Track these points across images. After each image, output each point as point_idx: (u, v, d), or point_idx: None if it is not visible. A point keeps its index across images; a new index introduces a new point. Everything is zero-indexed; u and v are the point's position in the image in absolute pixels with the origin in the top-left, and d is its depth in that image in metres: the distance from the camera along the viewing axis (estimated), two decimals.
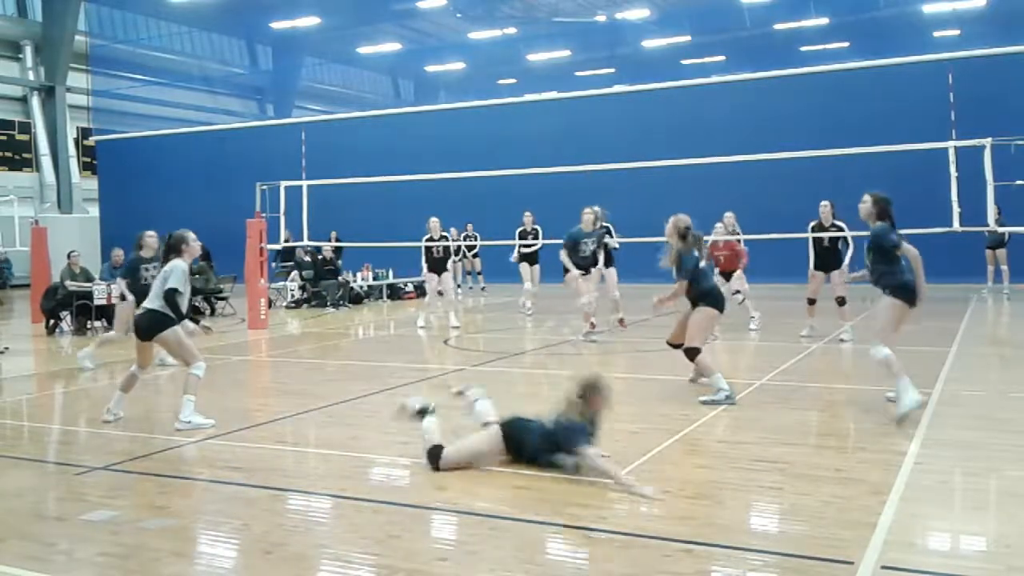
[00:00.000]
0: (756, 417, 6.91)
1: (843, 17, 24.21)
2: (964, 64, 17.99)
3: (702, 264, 7.79)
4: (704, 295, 7.64)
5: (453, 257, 18.98)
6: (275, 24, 30.94)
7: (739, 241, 13.16)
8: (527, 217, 16.50)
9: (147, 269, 9.55)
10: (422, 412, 5.71)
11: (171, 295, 6.76)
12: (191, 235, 7.14)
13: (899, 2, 23.66)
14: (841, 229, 11.25)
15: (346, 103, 32.19)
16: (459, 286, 20.36)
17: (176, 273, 6.82)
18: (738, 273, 12.84)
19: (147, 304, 6.93)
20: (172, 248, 7.05)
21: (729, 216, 13.23)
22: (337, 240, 20.58)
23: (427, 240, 13.94)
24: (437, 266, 14.01)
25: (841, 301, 11.11)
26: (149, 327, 6.85)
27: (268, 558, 4.03)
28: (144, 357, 7.12)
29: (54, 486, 5.38)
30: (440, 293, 14.33)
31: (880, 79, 19.27)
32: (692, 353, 7.54)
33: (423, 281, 20.51)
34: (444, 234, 14.48)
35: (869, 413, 6.79)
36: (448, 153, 21.60)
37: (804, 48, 24.40)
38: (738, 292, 12.67)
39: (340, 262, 19.64)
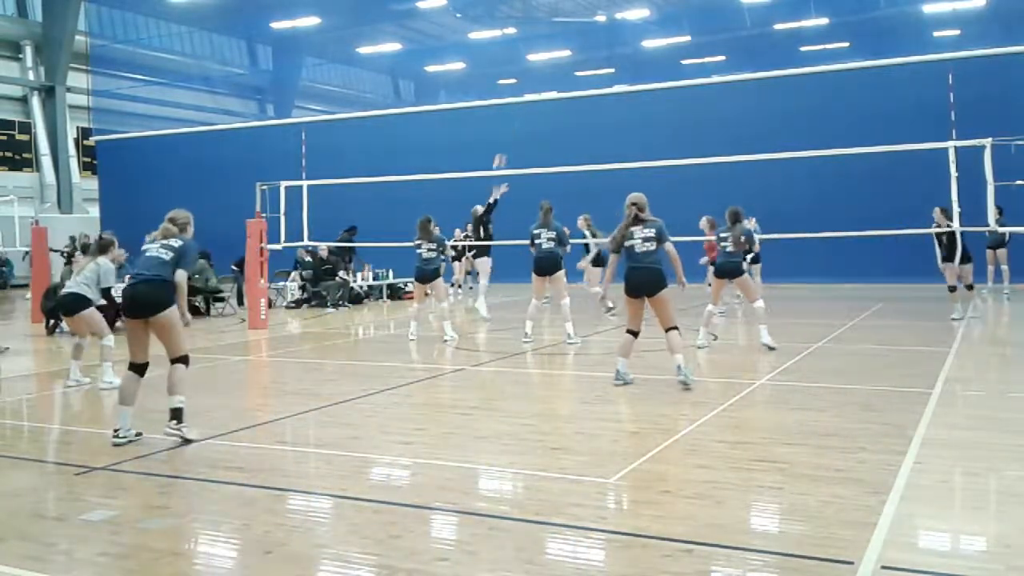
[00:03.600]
0: (756, 417, 6.91)
1: (843, 17, 24.19)
2: (964, 64, 17.99)
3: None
4: None
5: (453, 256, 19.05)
6: (275, 24, 30.93)
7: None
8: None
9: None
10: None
11: (108, 292, 8.80)
12: (116, 242, 8.95)
13: (899, 2, 23.64)
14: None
15: (346, 103, 32.19)
16: (459, 287, 20.36)
17: (110, 274, 8.62)
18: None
19: (73, 289, 8.57)
20: (103, 248, 8.65)
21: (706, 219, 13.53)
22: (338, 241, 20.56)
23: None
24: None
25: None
26: (75, 305, 8.57)
27: (268, 558, 4.03)
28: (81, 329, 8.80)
29: (54, 486, 5.38)
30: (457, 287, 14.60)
31: (880, 79, 19.27)
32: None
33: None
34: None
35: (869, 413, 6.80)
36: (448, 153, 21.60)
37: (804, 48, 24.37)
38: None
39: (351, 264, 19.71)
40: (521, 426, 6.73)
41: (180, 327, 6.34)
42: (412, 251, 12.43)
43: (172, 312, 6.26)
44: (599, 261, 13.36)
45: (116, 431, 6.18)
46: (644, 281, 7.90)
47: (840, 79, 20.25)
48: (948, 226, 12.67)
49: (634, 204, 8.07)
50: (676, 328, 8.04)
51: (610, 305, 13.21)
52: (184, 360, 6.34)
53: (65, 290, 8.88)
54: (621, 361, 8.21)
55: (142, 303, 6.23)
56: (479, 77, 30.83)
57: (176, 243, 6.39)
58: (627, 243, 8.00)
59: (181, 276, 6.29)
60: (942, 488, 5.06)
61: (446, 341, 11.82)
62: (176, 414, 6.20)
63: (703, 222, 13.48)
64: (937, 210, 12.96)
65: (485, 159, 18.93)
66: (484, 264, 15.78)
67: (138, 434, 6.25)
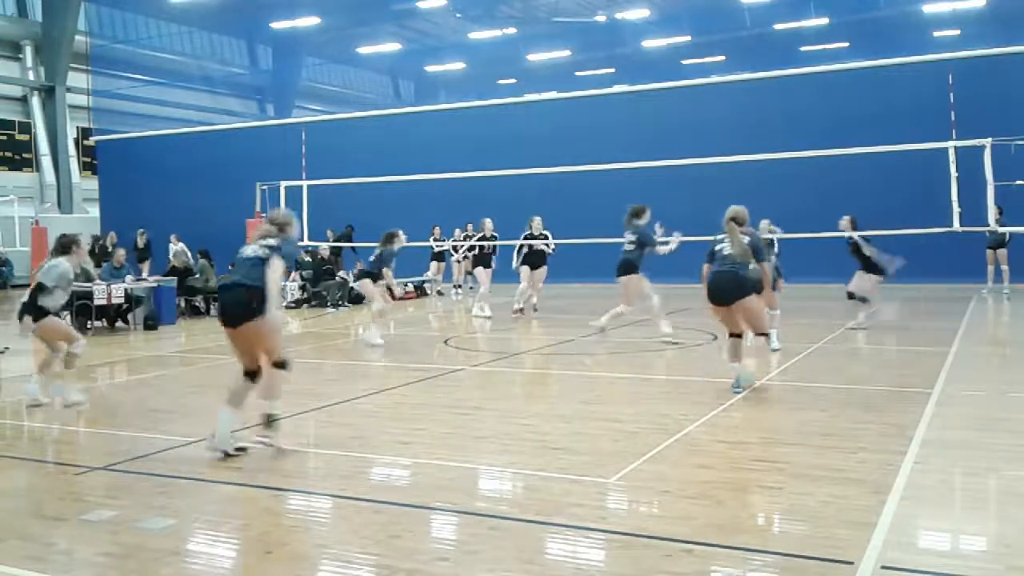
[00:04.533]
0: (756, 417, 6.91)
1: (843, 17, 24.20)
2: (964, 64, 17.99)
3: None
4: None
5: (455, 255, 19.05)
6: (275, 24, 30.93)
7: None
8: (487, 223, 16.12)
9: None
10: None
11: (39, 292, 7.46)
12: (82, 239, 7.81)
13: (899, 2, 23.65)
14: None
15: (346, 103, 32.17)
16: (459, 287, 20.38)
17: (56, 272, 7.48)
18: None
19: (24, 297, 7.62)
20: (63, 248, 7.59)
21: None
22: (336, 240, 20.57)
23: (480, 238, 15.23)
24: (485, 262, 15.52)
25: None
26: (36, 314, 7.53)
27: (268, 558, 4.03)
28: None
29: (54, 486, 5.37)
30: (440, 293, 14.46)
31: (880, 79, 19.26)
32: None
33: (424, 281, 20.65)
34: (495, 233, 15.55)
35: (869, 413, 6.79)
36: (448, 153, 21.61)
37: (804, 48, 24.37)
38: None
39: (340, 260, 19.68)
40: (521, 426, 6.73)
41: (274, 330, 5.93)
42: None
43: (259, 321, 5.80)
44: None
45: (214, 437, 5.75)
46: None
47: (840, 79, 20.24)
48: (850, 237, 12.02)
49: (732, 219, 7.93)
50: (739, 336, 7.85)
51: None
52: (283, 365, 5.95)
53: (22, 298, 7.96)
54: (733, 366, 7.80)
55: (230, 314, 5.88)
56: (479, 77, 30.84)
57: (274, 242, 5.94)
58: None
59: (273, 270, 5.78)
60: (942, 488, 5.06)
61: (373, 345, 11.42)
62: (269, 421, 5.83)
63: (763, 225, 13.21)
64: (845, 219, 12.38)
65: (485, 159, 18.95)
66: (483, 274, 15.64)
67: (239, 449, 5.75)
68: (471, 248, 15.84)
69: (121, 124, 29.66)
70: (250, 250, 5.95)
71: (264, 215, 15.60)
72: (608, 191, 19.85)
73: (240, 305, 5.77)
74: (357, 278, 13.64)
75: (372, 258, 12.19)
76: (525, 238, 14.55)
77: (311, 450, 6.30)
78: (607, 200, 20.27)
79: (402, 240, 12.08)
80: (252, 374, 5.89)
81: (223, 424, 5.71)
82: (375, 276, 11.90)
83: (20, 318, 7.61)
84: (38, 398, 7.66)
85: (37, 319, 7.56)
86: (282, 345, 6.03)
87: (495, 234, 16.01)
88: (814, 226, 13.64)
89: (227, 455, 5.65)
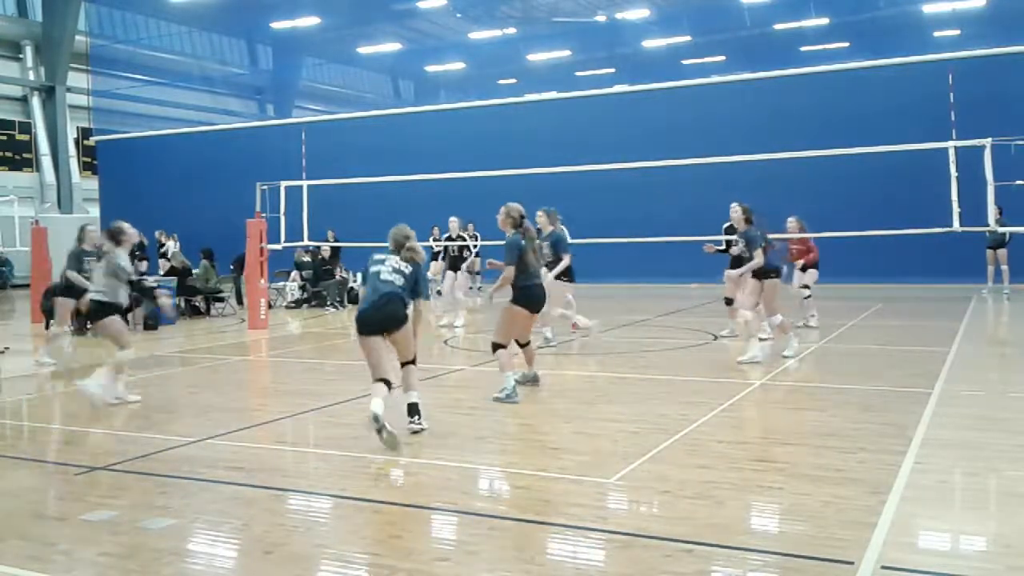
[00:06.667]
0: (756, 417, 6.91)
1: (843, 17, 24.20)
2: (964, 64, 17.99)
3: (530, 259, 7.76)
4: (518, 290, 7.69)
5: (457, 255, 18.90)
6: (275, 24, 30.93)
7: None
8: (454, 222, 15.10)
9: (88, 261, 9.96)
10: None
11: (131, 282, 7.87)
12: (127, 225, 7.91)
13: (899, 2, 23.65)
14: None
15: (346, 103, 32.17)
16: (471, 288, 20.28)
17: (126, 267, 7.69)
18: (811, 271, 12.90)
19: (96, 296, 7.61)
20: (114, 238, 7.75)
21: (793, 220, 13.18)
22: (335, 240, 20.57)
23: (446, 239, 14.30)
24: (454, 264, 14.47)
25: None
26: (96, 313, 7.64)
27: (268, 558, 4.03)
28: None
29: (54, 486, 5.38)
30: (439, 293, 14.37)
31: (880, 79, 19.27)
32: (495, 347, 7.71)
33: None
34: (461, 234, 14.70)
35: (869, 413, 6.80)
36: (448, 153, 21.59)
37: (804, 48, 24.38)
38: (807, 286, 12.77)
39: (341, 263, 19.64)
40: (521, 426, 6.73)
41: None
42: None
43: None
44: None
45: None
46: None
47: (840, 79, 20.24)
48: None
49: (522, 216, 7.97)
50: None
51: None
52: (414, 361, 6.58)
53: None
54: (506, 375, 7.71)
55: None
56: (479, 77, 30.84)
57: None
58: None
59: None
60: (942, 488, 5.06)
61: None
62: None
63: (792, 223, 13.14)
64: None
65: (485, 159, 18.94)
66: (450, 279, 14.72)
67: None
68: (436, 252, 14.89)
69: (121, 124, 29.66)
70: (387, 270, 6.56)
71: (264, 215, 15.65)
72: (608, 191, 19.92)
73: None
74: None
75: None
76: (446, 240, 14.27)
77: (311, 450, 6.31)
78: (608, 200, 20.39)
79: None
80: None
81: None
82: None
83: (91, 320, 7.91)
84: (107, 399, 7.60)
85: (97, 317, 7.69)
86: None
87: (463, 235, 15.08)
88: (814, 226, 13.61)
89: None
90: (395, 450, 5.84)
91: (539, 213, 10.93)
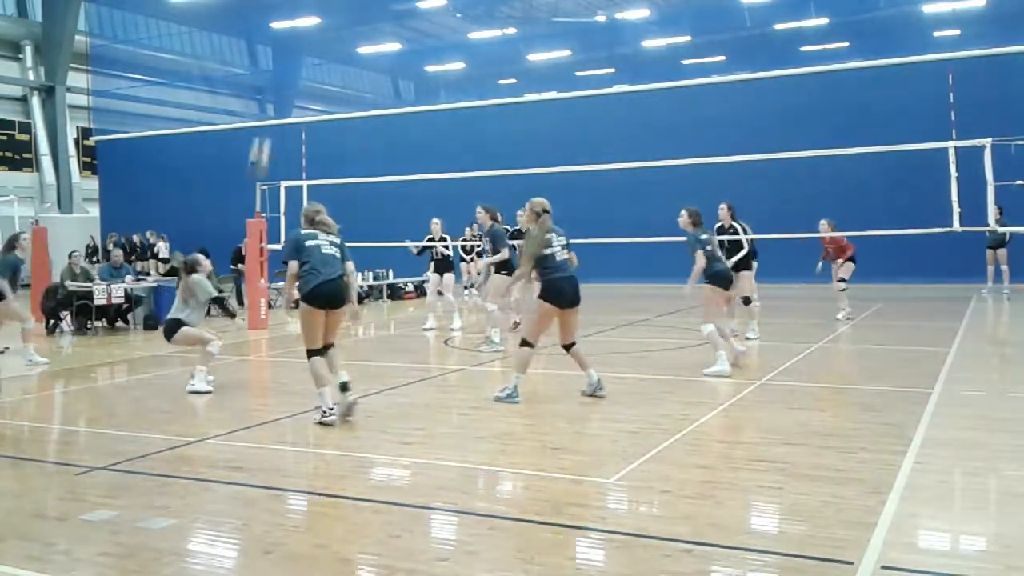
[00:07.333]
0: (756, 417, 6.91)
1: (843, 17, 24.18)
2: (964, 64, 17.99)
3: (553, 252, 7.44)
4: (542, 284, 7.47)
5: (465, 257, 18.82)
6: (275, 24, 30.91)
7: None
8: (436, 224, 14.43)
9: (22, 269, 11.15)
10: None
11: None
12: (201, 257, 8.93)
13: (899, 2, 23.62)
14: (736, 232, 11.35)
15: (346, 103, 32.17)
16: (468, 287, 20.29)
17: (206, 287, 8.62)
18: (847, 264, 13.29)
19: (173, 315, 8.51)
20: (189, 268, 8.62)
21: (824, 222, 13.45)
22: None
23: (428, 240, 13.91)
24: (439, 267, 13.95)
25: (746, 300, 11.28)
26: (170, 331, 8.49)
27: (268, 558, 4.03)
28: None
29: (54, 486, 5.37)
30: (440, 293, 14.29)
31: (880, 79, 19.27)
32: (522, 343, 7.59)
33: (423, 281, 20.59)
34: (444, 236, 14.25)
35: (869, 413, 6.80)
36: (448, 153, 21.60)
37: (804, 48, 24.37)
38: (843, 279, 13.19)
39: None
40: (521, 426, 6.73)
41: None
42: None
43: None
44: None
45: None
46: None
47: (840, 79, 20.24)
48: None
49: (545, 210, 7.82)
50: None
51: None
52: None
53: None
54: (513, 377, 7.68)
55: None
56: (479, 77, 30.83)
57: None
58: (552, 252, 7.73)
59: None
60: (942, 488, 5.06)
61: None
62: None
63: (824, 224, 13.25)
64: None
65: (485, 159, 18.95)
66: (435, 281, 14.25)
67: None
68: (419, 252, 14.14)
69: (121, 124, 29.67)
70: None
71: (264, 215, 15.65)
72: (608, 191, 19.93)
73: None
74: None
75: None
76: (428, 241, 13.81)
77: (311, 450, 6.31)
78: (607, 200, 20.39)
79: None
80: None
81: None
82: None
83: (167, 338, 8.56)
84: (199, 389, 8.20)
85: (171, 333, 8.49)
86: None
87: (445, 236, 14.16)
88: (813, 226, 13.65)
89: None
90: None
91: (518, 213, 10.98)
